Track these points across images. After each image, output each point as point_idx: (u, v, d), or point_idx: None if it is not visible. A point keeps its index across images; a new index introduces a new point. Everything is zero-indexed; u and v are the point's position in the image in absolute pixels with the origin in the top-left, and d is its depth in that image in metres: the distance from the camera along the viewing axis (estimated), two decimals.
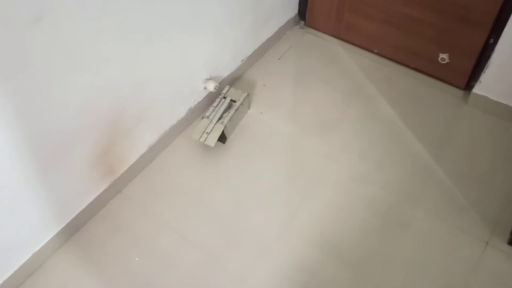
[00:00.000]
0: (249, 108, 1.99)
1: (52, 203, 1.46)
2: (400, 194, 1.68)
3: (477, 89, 1.90)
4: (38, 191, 1.38)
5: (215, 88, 1.88)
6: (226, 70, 1.99)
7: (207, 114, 1.84)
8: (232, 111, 1.85)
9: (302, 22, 2.33)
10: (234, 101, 1.88)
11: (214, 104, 1.87)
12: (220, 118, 1.82)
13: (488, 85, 1.86)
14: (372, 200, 1.67)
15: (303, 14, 2.30)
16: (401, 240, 1.57)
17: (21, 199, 1.34)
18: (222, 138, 1.82)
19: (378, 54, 2.16)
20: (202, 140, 1.77)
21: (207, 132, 1.78)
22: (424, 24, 1.91)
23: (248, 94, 1.92)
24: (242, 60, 2.06)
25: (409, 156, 1.79)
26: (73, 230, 1.60)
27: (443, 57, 1.95)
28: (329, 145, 1.84)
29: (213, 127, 1.79)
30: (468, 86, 1.98)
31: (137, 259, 1.56)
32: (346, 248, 1.56)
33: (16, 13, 1.03)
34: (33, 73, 1.15)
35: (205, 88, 1.89)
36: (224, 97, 1.89)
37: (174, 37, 1.59)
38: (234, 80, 2.06)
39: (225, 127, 1.79)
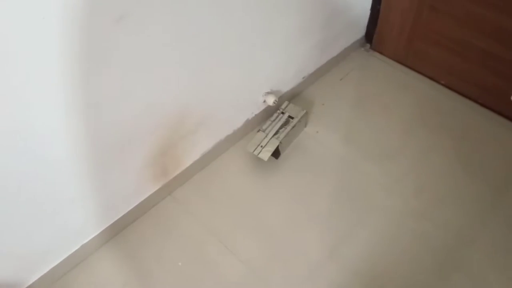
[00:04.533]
0: (305, 126, 1.96)
1: (105, 199, 1.49)
2: (455, 234, 1.59)
3: None
4: (94, 184, 1.41)
5: (274, 103, 1.86)
6: (287, 85, 1.98)
7: (264, 127, 1.82)
8: (289, 127, 1.82)
9: (368, 45, 2.29)
10: (292, 118, 1.86)
11: (272, 118, 1.86)
12: (276, 133, 1.80)
13: None
14: (424, 237, 1.59)
15: (370, 36, 2.25)
16: (450, 282, 1.48)
17: (78, 191, 1.37)
18: (276, 153, 1.80)
19: (444, 85, 2.08)
20: (256, 153, 1.75)
21: (261, 146, 1.77)
22: (497, 58, 1.82)
23: (306, 112, 1.89)
24: (303, 77, 2.04)
25: (468, 196, 1.70)
26: (121, 227, 1.62)
27: None
28: (386, 174, 1.77)
29: (268, 141, 1.78)
30: None
31: (180, 263, 1.55)
32: (392, 282, 1.49)
33: (102, 11, 1.06)
34: (113, 70, 1.18)
35: (264, 101, 1.88)
36: (282, 113, 1.88)
37: (245, 47, 1.59)
38: (293, 96, 2.04)
39: (280, 142, 1.77)
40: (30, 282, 1.44)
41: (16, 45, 0.95)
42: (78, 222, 1.46)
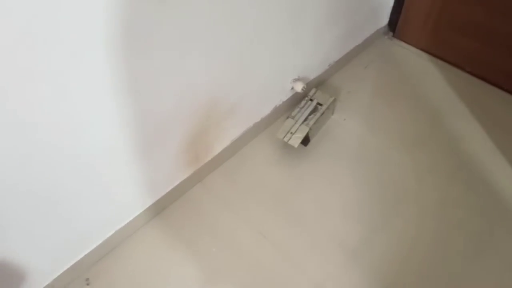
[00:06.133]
0: (333, 113, 1.95)
1: (143, 182, 1.49)
2: (488, 219, 1.59)
3: None
4: (135, 168, 1.41)
5: (302, 89, 1.86)
6: (313, 72, 1.97)
7: (293, 114, 1.82)
8: (318, 114, 1.82)
9: (391, 33, 2.28)
10: (321, 105, 1.85)
11: (300, 105, 1.85)
12: (305, 120, 1.80)
13: None
14: (459, 224, 1.59)
15: (393, 25, 2.25)
16: (485, 266, 1.48)
17: (121, 172, 1.38)
18: (305, 140, 1.80)
19: (470, 73, 2.07)
20: (286, 139, 1.75)
21: (291, 132, 1.76)
22: None
23: (335, 99, 1.88)
24: (329, 65, 2.04)
25: (499, 181, 1.70)
26: (155, 212, 1.63)
27: None
28: (417, 162, 1.76)
29: (298, 128, 1.77)
30: None
31: (214, 249, 1.55)
32: (427, 269, 1.49)
33: None
34: (155, 53, 1.17)
35: (292, 88, 1.88)
36: (311, 100, 1.87)
37: (277, 35, 1.59)
38: (319, 83, 2.04)
39: (310, 129, 1.77)
40: (70, 264, 1.44)
41: (62, 26, 0.94)
42: (122, 201, 1.49)
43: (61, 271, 1.43)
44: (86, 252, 1.47)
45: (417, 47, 2.21)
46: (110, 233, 1.51)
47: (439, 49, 2.13)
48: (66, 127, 1.10)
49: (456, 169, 1.74)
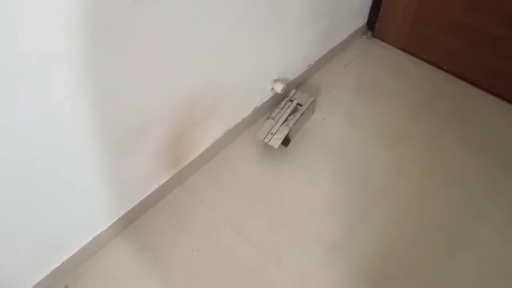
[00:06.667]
0: (313, 113, 1.96)
1: (117, 189, 1.46)
2: (465, 212, 1.62)
3: None
4: (106, 174, 1.38)
5: (282, 90, 1.86)
6: (293, 73, 1.97)
7: (273, 115, 1.82)
8: (298, 114, 1.82)
9: (370, 33, 2.30)
10: (301, 105, 1.85)
11: (280, 106, 1.85)
12: (285, 121, 1.80)
13: None
14: (436, 217, 1.61)
15: (372, 24, 2.26)
16: (462, 259, 1.50)
17: (92, 180, 1.34)
18: (286, 141, 1.80)
19: (447, 71, 2.10)
20: (266, 140, 1.75)
21: (272, 133, 1.76)
22: (502, 42, 1.84)
23: (314, 99, 1.89)
24: (309, 65, 2.04)
25: (478, 174, 1.72)
26: (133, 218, 1.60)
27: None
28: (396, 158, 1.78)
29: (278, 129, 1.77)
30: None
31: (194, 253, 1.54)
32: (407, 262, 1.50)
33: None
34: (129, 54, 1.15)
35: (272, 89, 1.88)
36: (291, 100, 1.87)
37: (255, 35, 1.58)
38: (299, 84, 2.04)
39: (290, 129, 1.77)
40: (43, 276, 1.40)
41: (26, 26, 0.90)
42: (92, 212, 1.43)
43: (38, 280, 1.40)
44: (63, 260, 1.44)
45: (396, 46, 2.23)
46: (88, 240, 1.48)
47: (417, 48, 2.16)
48: (22, 130, 1.04)
49: (436, 165, 1.76)
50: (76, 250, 1.46)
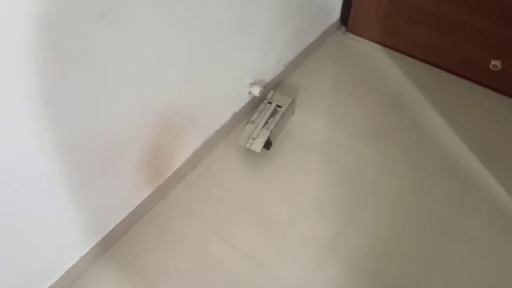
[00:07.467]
0: (293, 114, 1.93)
1: (94, 211, 1.40)
2: (451, 204, 1.61)
3: None
4: (84, 196, 1.32)
5: (260, 93, 1.83)
6: (269, 75, 1.95)
7: (252, 119, 1.79)
8: (278, 116, 1.79)
9: (344, 28, 2.28)
10: (280, 107, 1.83)
11: (259, 109, 1.82)
12: (265, 124, 1.77)
13: None
14: (423, 212, 1.59)
15: (345, 19, 2.25)
16: (451, 252, 1.50)
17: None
18: (267, 144, 1.77)
19: (424, 61, 2.09)
20: (248, 145, 1.72)
21: (252, 138, 1.73)
22: (474, 29, 1.85)
23: (293, 100, 1.86)
24: (285, 65, 2.02)
25: (461, 167, 1.72)
26: (116, 238, 1.55)
27: (495, 63, 1.88)
28: (378, 154, 1.77)
29: (258, 133, 1.74)
30: None
31: (183, 266, 1.50)
32: (398, 259, 1.49)
33: (83, 8, 0.99)
34: (95, 71, 1.11)
35: (249, 92, 1.85)
36: (269, 102, 1.84)
37: (226, 40, 1.55)
38: (276, 85, 2.02)
39: (271, 132, 1.74)
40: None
41: None
42: (65, 244, 1.36)
43: None
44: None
45: (371, 40, 2.22)
46: (69, 265, 1.42)
47: (392, 39, 2.15)
48: None
49: (422, 158, 1.75)
50: (55, 280, 1.38)
